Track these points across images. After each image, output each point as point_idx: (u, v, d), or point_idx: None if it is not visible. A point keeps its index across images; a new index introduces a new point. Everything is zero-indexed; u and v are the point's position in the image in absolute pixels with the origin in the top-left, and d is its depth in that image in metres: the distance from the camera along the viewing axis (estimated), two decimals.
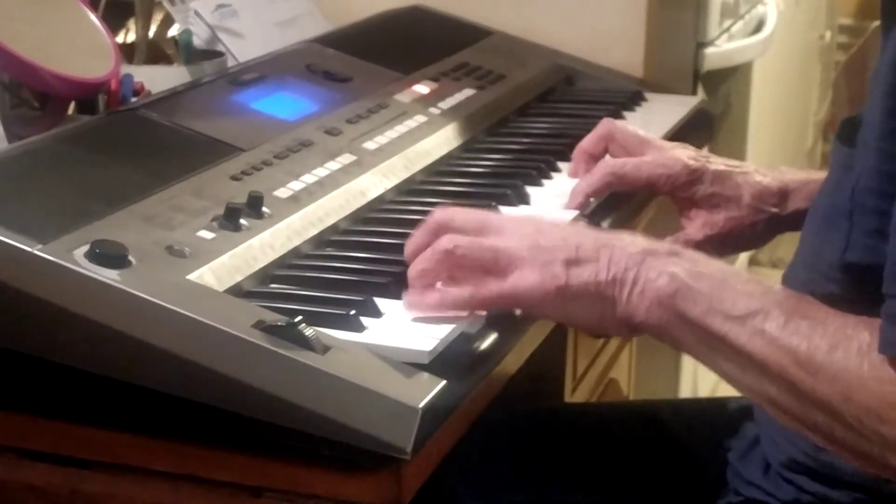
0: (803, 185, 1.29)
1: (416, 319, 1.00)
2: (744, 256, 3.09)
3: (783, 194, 1.29)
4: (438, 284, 1.02)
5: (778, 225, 1.30)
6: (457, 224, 1.02)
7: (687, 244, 1.30)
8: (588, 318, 1.00)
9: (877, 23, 2.03)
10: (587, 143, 1.35)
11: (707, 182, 1.30)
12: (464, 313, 1.00)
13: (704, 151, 1.35)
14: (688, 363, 2.31)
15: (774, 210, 1.29)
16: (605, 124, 1.36)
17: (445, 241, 1.00)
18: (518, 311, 1.04)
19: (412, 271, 1.02)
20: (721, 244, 1.31)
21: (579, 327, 1.15)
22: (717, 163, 1.31)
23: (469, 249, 1.00)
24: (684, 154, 1.31)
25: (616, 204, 1.34)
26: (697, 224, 1.31)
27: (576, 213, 1.27)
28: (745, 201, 1.29)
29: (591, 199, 1.30)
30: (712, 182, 1.30)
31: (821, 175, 1.19)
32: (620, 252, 0.98)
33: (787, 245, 3.53)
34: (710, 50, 2.03)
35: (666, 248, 0.98)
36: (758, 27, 2.40)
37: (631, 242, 0.99)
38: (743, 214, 1.30)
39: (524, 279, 0.98)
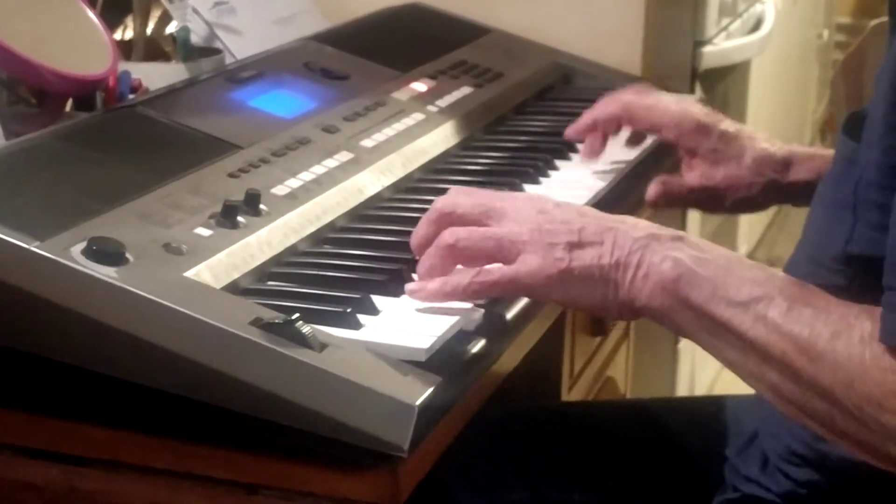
0: (808, 158, 1.33)
1: (417, 314, 1.00)
2: (742, 252, 3.09)
3: (786, 163, 1.34)
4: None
5: (776, 193, 1.35)
6: (459, 213, 1.02)
7: (680, 189, 1.35)
8: (590, 301, 0.99)
9: (875, 21, 2.02)
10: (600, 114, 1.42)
11: (713, 138, 1.36)
12: (466, 303, 1.00)
13: (719, 114, 1.40)
14: (685, 361, 2.31)
15: (774, 176, 1.34)
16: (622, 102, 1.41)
17: (447, 236, 1.00)
18: (522, 296, 1.04)
19: (421, 269, 1.02)
20: (716, 199, 1.37)
21: (581, 310, 1.16)
22: (728, 124, 1.37)
23: (471, 241, 1.00)
24: (697, 108, 1.37)
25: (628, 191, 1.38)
26: (695, 174, 1.37)
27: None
28: (745, 163, 1.34)
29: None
30: (718, 139, 1.36)
31: (828, 153, 1.20)
32: (624, 235, 0.97)
33: (784, 243, 3.53)
34: (707, 48, 2.03)
35: (670, 233, 0.98)
36: (756, 26, 2.40)
37: (635, 226, 0.99)
38: (742, 174, 1.35)
39: (527, 263, 0.98)
